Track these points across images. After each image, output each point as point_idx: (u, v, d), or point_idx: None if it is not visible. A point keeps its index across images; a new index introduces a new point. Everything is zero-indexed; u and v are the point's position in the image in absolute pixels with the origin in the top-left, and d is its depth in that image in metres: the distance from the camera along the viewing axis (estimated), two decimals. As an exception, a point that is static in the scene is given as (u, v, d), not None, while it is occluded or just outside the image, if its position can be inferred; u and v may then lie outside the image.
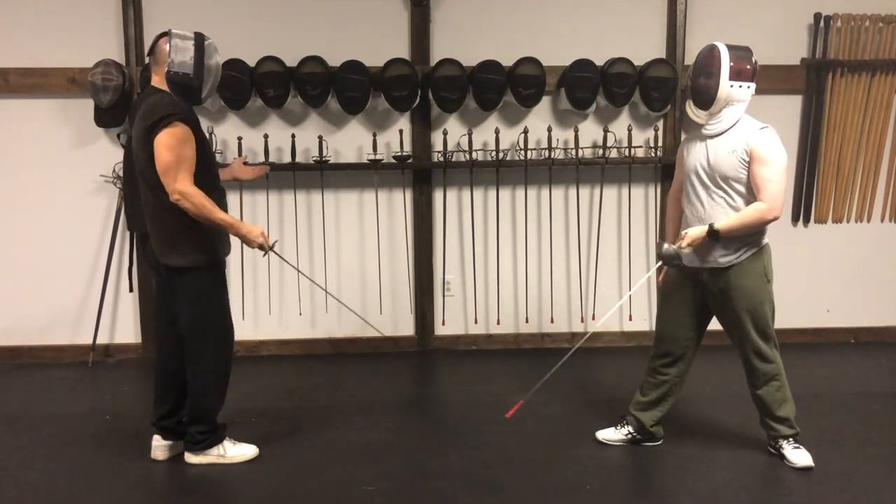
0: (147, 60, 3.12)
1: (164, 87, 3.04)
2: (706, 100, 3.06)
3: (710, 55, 3.05)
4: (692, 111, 3.16)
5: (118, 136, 4.57)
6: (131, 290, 4.64)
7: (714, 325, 3.28)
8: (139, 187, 3.09)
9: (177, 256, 3.04)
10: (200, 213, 2.97)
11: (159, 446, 3.30)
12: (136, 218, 3.20)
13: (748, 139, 3.01)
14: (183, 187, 2.92)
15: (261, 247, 3.15)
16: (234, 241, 3.23)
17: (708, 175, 3.08)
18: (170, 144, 2.91)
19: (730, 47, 3.03)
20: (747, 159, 3.00)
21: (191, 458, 3.24)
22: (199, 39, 3.04)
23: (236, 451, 3.28)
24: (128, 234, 4.66)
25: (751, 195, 3.03)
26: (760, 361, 3.13)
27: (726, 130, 3.06)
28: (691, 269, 3.18)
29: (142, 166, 3.01)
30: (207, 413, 3.22)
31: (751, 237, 3.08)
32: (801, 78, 4.72)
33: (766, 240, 3.13)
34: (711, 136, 3.09)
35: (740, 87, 3.02)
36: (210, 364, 3.18)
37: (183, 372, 3.23)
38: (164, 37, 3.04)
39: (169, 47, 2.99)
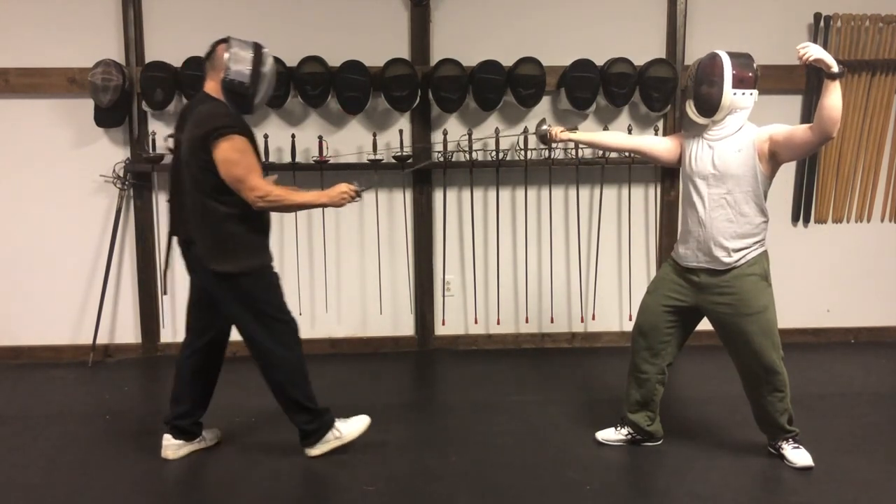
0: (204, 66, 3.14)
1: (218, 93, 3.06)
2: (709, 108, 3.06)
3: (711, 64, 3.05)
4: (692, 112, 3.16)
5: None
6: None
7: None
8: (186, 193, 3.08)
9: (226, 263, 3.04)
10: (283, 205, 3.09)
11: (170, 445, 3.30)
12: (181, 223, 3.19)
13: (754, 137, 3.03)
14: (259, 192, 2.97)
15: (353, 199, 3.19)
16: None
17: (714, 176, 3.07)
18: (234, 158, 2.94)
19: (731, 55, 3.03)
20: (756, 153, 3.00)
21: (311, 451, 3.26)
22: (258, 49, 3.06)
23: (350, 428, 3.31)
24: (131, 234, 4.68)
25: (753, 193, 3.04)
26: (766, 372, 3.10)
27: (730, 136, 3.06)
28: (688, 268, 3.18)
29: (193, 173, 3.02)
30: (301, 402, 3.22)
31: (754, 238, 3.08)
32: (801, 78, 4.72)
33: (765, 245, 3.13)
34: (715, 140, 3.09)
35: (743, 94, 3.02)
36: (280, 360, 3.18)
37: (205, 373, 3.28)
38: (222, 43, 3.06)
39: (228, 55, 3.01)
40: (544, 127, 3.47)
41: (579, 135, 3.48)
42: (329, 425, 3.28)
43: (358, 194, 3.20)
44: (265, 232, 3.17)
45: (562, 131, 3.45)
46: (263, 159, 4.42)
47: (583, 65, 4.48)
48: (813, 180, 4.87)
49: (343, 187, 3.17)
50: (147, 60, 4.52)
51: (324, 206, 3.24)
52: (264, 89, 3.09)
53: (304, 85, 4.44)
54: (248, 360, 4.81)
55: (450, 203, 4.80)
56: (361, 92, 4.44)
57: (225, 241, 3.04)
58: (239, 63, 3.01)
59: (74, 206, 4.66)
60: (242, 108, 3.08)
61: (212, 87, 3.09)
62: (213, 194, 2.99)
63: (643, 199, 4.88)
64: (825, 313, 5.01)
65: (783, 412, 3.16)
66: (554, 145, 4.54)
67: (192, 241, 3.12)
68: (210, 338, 3.27)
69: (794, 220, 4.93)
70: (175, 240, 3.27)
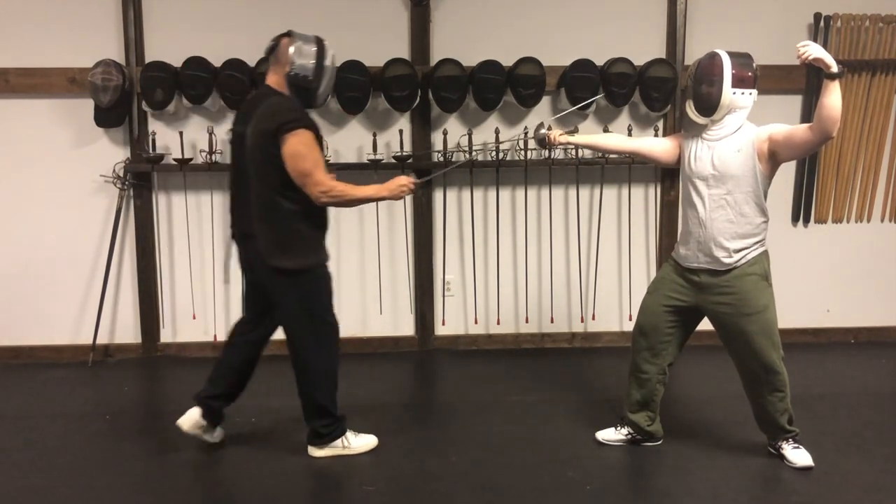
0: (267, 59, 3.16)
1: (281, 87, 3.08)
2: (708, 107, 3.06)
3: (711, 63, 3.04)
4: (692, 112, 3.16)
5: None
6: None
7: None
8: (250, 186, 3.08)
9: (286, 259, 3.05)
10: (345, 200, 3.10)
11: (191, 419, 3.28)
12: (241, 217, 3.20)
13: (753, 137, 3.02)
14: (324, 187, 2.99)
15: (411, 191, 3.21)
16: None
17: (714, 177, 3.07)
18: (302, 152, 2.96)
19: (731, 55, 3.03)
20: (756, 153, 3.00)
21: (315, 451, 3.28)
22: (320, 42, 3.10)
23: (359, 442, 3.33)
24: (131, 234, 4.69)
25: (753, 193, 3.04)
26: (766, 372, 3.10)
27: (729, 136, 3.06)
28: (688, 269, 3.17)
29: (259, 167, 3.02)
30: (325, 407, 3.25)
31: (754, 238, 3.07)
32: (801, 78, 4.72)
33: (765, 245, 3.13)
34: (715, 140, 3.09)
35: (742, 94, 3.02)
36: (319, 361, 3.21)
37: (247, 368, 3.32)
38: (286, 37, 3.08)
39: (293, 49, 3.04)
40: (543, 131, 3.47)
41: (578, 138, 3.49)
42: (342, 432, 3.30)
43: (417, 186, 3.20)
44: (324, 229, 3.20)
45: (560, 134, 3.45)
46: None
47: (583, 65, 4.48)
48: (813, 180, 4.87)
49: (402, 180, 3.19)
50: (147, 60, 4.52)
51: (384, 199, 3.25)
52: (326, 83, 3.13)
53: (304, 85, 4.43)
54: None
55: (450, 203, 4.80)
56: (361, 92, 4.44)
57: (287, 238, 3.06)
58: (303, 57, 3.04)
59: (74, 206, 4.66)
60: (306, 101, 3.11)
61: (275, 80, 3.10)
62: (280, 189, 3.00)
63: (643, 199, 4.88)
64: (825, 313, 5.01)
65: (783, 412, 3.16)
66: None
67: (250, 236, 3.13)
68: (260, 334, 3.30)
69: (794, 220, 4.93)
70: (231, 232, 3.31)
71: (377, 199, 3.27)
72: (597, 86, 4.51)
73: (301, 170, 2.96)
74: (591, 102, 3.97)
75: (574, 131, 3.53)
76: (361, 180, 4.65)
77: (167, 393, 4.42)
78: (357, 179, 4.62)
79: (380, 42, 4.62)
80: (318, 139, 3.06)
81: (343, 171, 4.55)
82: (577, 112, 4.60)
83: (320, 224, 3.16)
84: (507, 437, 3.50)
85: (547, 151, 4.51)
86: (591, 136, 3.59)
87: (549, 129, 3.49)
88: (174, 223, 4.72)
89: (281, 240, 3.06)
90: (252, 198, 3.08)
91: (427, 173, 4.71)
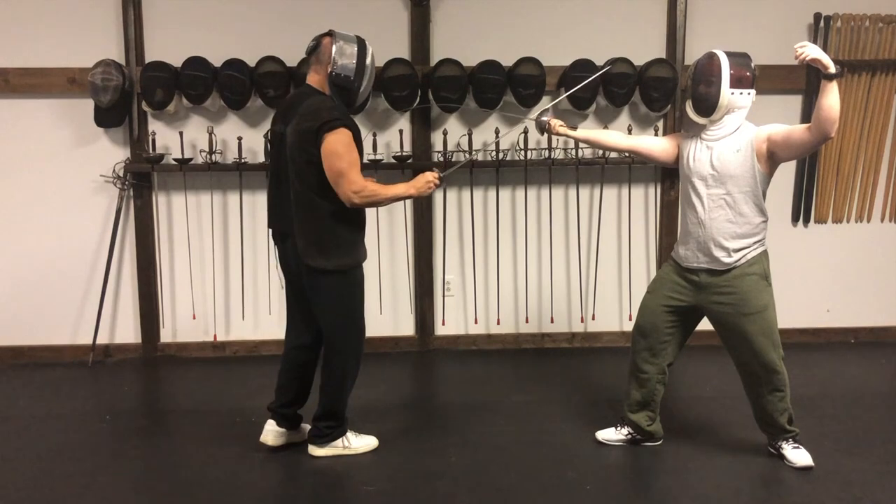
0: (308, 59, 3.15)
1: (323, 87, 3.09)
2: (707, 107, 3.06)
3: (709, 63, 3.05)
4: (692, 112, 3.16)
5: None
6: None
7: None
8: (290, 185, 3.08)
9: (322, 259, 3.06)
10: (376, 199, 3.08)
11: (273, 431, 3.32)
12: (280, 216, 3.21)
13: (752, 137, 3.03)
14: (356, 186, 2.98)
15: (437, 186, 3.22)
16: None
17: (713, 177, 3.07)
18: (339, 151, 2.96)
19: (729, 55, 3.03)
20: (754, 153, 3.00)
21: (316, 451, 3.29)
22: (361, 42, 3.10)
23: (360, 443, 3.34)
24: (131, 234, 4.69)
25: (752, 193, 3.04)
26: (766, 372, 3.10)
27: (728, 136, 3.06)
28: (688, 269, 3.18)
29: (299, 167, 3.03)
30: (338, 408, 3.27)
31: (754, 238, 3.07)
32: (801, 78, 4.72)
33: (765, 245, 3.13)
34: (713, 140, 3.09)
35: (741, 94, 3.02)
36: (348, 363, 3.23)
37: (311, 367, 3.32)
38: (327, 37, 3.08)
39: (335, 49, 3.04)
40: (544, 118, 3.46)
41: (577, 132, 3.48)
42: (343, 433, 3.31)
43: (441, 180, 3.22)
44: (363, 229, 3.20)
45: (560, 125, 3.44)
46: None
47: (583, 65, 4.48)
48: (813, 180, 4.87)
49: (428, 176, 3.19)
50: (147, 60, 4.52)
51: (412, 197, 3.24)
52: (367, 82, 3.13)
53: (304, 85, 4.43)
54: (245, 360, 4.82)
55: (450, 203, 4.80)
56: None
57: (325, 238, 3.06)
58: (345, 57, 3.05)
59: (74, 206, 4.66)
60: (347, 101, 3.12)
61: (316, 80, 3.11)
62: (319, 189, 3.01)
63: (643, 199, 4.88)
64: (825, 313, 5.01)
65: (783, 412, 3.16)
66: (554, 142, 4.57)
67: (289, 235, 3.13)
68: (313, 336, 3.29)
69: (794, 220, 4.93)
70: (270, 232, 3.32)
71: (406, 198, 3.24)
72: (597, 86, 4.51)
73: (337, 169, 2.96)
74: (604, 71, 3.97)
75: (574, 129, 3.52)
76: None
77: (167, 393, 4.42)
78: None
79: (380, 42, 4.57)
80: (358, 140, 3.06)
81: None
82: (577, 112, 4.60)
83: (358, 225, 3.16)
84: (508, 437, 3.50)
85: (546, 139, 4.50)
86: (590, 131, 3.59)
87: (550, 117, 3.47)
88: (174, 223, 4.72)
89: (319, 240, 3.06)
90: (291, 197, 3.09)
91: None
